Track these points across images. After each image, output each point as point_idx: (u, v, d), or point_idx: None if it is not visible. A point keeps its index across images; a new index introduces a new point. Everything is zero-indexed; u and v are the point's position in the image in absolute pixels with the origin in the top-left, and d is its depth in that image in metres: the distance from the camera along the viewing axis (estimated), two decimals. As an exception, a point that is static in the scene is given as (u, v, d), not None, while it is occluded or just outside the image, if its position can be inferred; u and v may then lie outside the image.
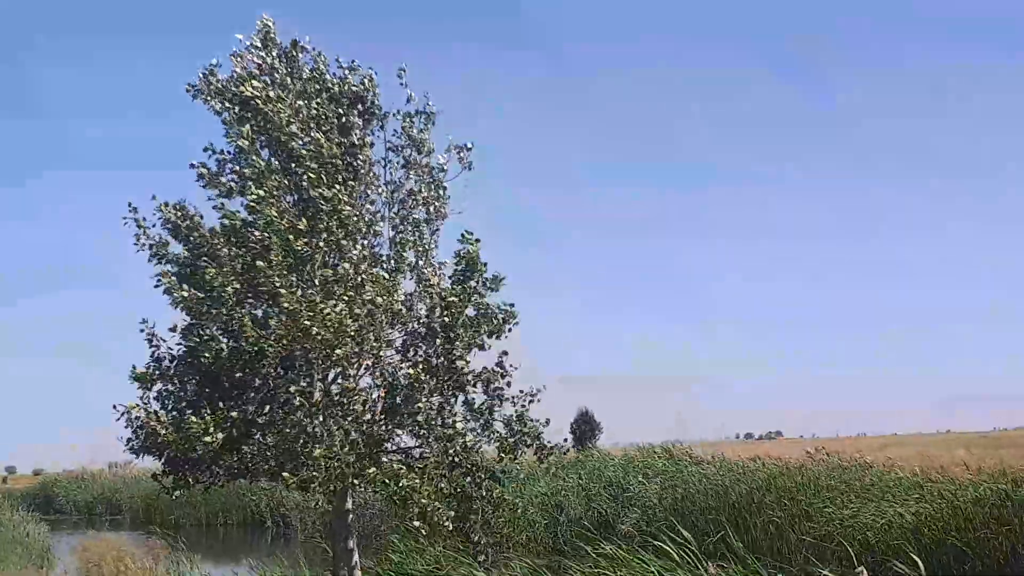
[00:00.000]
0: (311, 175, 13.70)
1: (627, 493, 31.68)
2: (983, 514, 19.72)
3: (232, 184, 13.90)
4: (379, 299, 13.70)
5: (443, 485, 13.91)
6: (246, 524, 49.90)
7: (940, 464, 25.62)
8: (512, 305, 14.66)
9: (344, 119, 14.64)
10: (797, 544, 22.54)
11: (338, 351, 13.10)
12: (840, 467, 26.88)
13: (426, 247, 14.96)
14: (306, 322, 12.68)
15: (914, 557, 10.92)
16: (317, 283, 13.68)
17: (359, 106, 14.93)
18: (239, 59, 14.24)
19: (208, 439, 12.94)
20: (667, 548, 12.84)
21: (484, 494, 14.48)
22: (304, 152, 13.77)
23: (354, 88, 14.92)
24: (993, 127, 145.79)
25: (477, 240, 14.54)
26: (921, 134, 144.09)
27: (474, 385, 14.54)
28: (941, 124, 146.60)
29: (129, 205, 14.17)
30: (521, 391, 14.70)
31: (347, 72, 14.98)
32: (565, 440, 15.90)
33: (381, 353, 14.11)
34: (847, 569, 12.62)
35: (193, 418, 13.03)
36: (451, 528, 14.11)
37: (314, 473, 13.09)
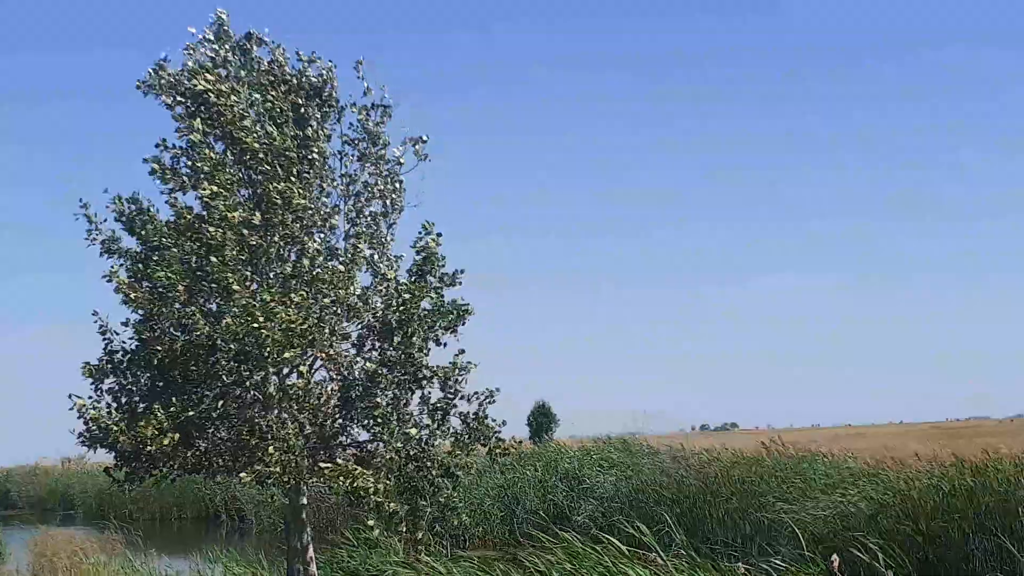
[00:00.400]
0: (265, 169, 13.63)
1: (583, 485, 31.75)
2: (936, 503, 19.91)
3: (185, 179, 13.80)
4: (334, 293, 13.65)
5: (389, 482, 13.84)
6: (201, 518, 49.62)
7: (894, 454, 25.82)
8: (467, 302, 14.61)
9: (302, 111, 14.55)
10: (752, 534, 22.69)
11: (287, 354, 13.02)
12: (795, 457, 27.06)
13: (382, 240, 14.93)
14: (254, 325, 12.60)
15: (871, 546, 10.98)
16: (272, 277, 13.63)
17: (317, 98, 14.84)
18: (191, 52, 14.13)
19: (165, 440, 12.86)
20: (620, 539, 12.87)
21: (435, 491, 14.44)
22: (257, 146, 13.67)
23: (312, 80, 14.83)
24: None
25: (439, 234, 14.48)
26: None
27: (431, 381, 14.49)
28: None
29: (80, 201, 14.09)
30: (477, 392, 14.67)
31: (306, 64, 14.89)
32: (520, 442, 15.85)
33: (335, 348, 14.05)
34: (801, 558, 12.71)
35: (143, 422, 12.93)
36: (404, 525, 14.10)
37: (269, 468, 13.03)
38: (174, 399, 13.30)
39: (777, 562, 12.99)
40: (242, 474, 13.38)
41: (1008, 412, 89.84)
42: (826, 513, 21.46)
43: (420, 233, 14.53)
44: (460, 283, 14.62)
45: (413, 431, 14.03)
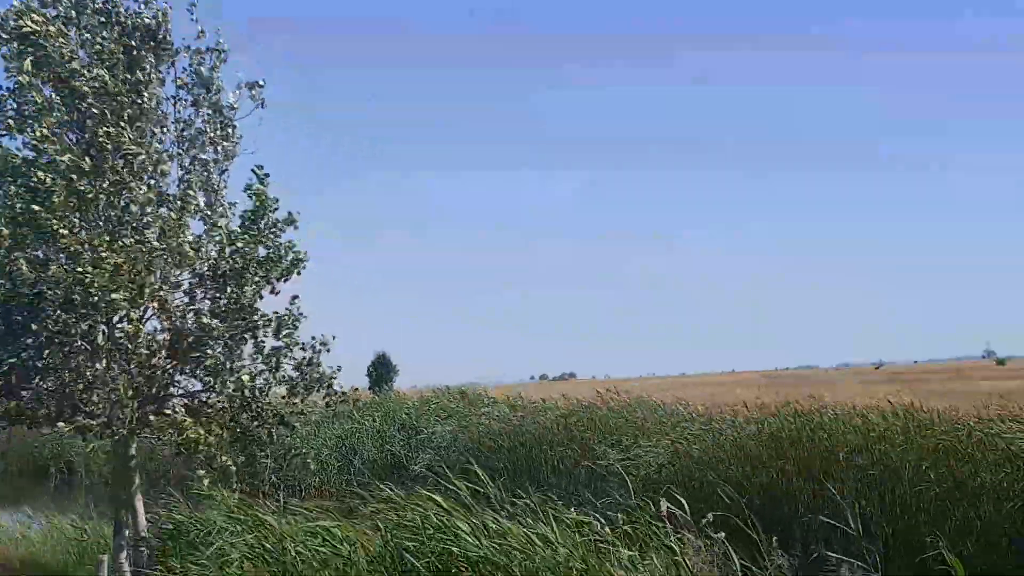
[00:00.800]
0: (95, 112, 13.21)
1: (420, 435, 31.85)
2: (761, 448, 20.53)
3: (11, 122, 13.32)
4: (164, 241, 13.37)
5: (224, 432, 13.70)
6: (27, 472, 48.13)
7: (724, 401, 26.50)
8: (301, 250, 14.49)
9: (135, 53, 14.11)
10: (587, 481, 23.01)
11: (115, 295, 12.68)
12: (629, 406, 27.51)
13: (215, 187, 14.66)
14: (79, 271, 12.26)
15: (679, 498, 11.21)
16: (101, 224, 13.28)
17: (151, 41, 14.40)
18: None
19: None
20: (456, 489, 12.93)
21: (273, 440, 14.37)
22: (87, 89, 13.25)
23: (146, 22, 14.38)
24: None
25: (266, 175, 14.26)
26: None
27: (264, 329, 14.35)
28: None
29: None
30: (313, 338, 14.62)
31: (141, 5, 14.43)
32: (356, 389, 15.88)
33: (167, 296, 13.76)
34: (630, 504, 12.97)
35: None
36: (236, 474, 14.02)
37: (91, 421, 12.76)
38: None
39: (605, 509, 13.22)
40: (59, 424, 13.04)
41: (833, 362, 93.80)
42: (659, 459, 21.95)
43: (250, 183, 14.34)
44: (296, 226, 14.46)
45: (247, 378, 13.91)
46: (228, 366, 13.86)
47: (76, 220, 13.12)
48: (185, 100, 14.78)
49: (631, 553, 8.80)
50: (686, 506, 11.07)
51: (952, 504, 17.22)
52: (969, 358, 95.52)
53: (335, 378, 14.70)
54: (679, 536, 10.50)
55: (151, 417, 13.42)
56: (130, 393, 13.04)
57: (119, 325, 13.64)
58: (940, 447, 18.13)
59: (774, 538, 10.63)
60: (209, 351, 13.74)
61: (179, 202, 14.16)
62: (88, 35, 13.82)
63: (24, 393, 13.38)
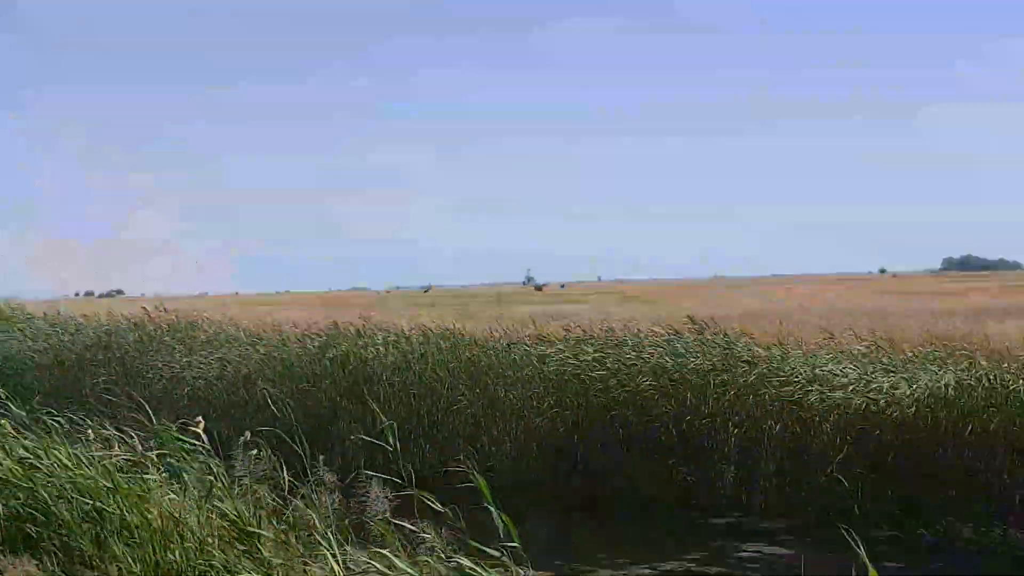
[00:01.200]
0: None
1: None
2: (309, 367, 20.78)
3: None
4: None
5: None
6: None
7: (276, 321, 26.49)
8: None
9: None
10: (126, 401, 22.38)
11: None
12: (177, 324, 26.94)
13: None
14: None
15: (198, 420, 11.12)
16: None
17: None
18: None
19: None
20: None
21: None
22: None
23: None
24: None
25: None
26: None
27: None
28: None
29: None
30: None
31: None
32: None
33: None
34: (166, 424, 12.68)
35: None
36: None
37: None
38: None
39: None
40: None
41: (384, 284, 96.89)
42: (208, 374, 21.83)
43: None
44: None
45: None
46: None
47: None
48: None
49: (156, 476, 8.59)
50: (211, 426, 10.95)
51: (487, 421, 18.24)
52: (511, 283, 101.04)
53: None
54: (212, 455, 10.41)
55: None
56: None
57: None
58: (476, 367, 19.07)
59: (320, 456, 10.77)
60: None
61: None
62: None
63: None
